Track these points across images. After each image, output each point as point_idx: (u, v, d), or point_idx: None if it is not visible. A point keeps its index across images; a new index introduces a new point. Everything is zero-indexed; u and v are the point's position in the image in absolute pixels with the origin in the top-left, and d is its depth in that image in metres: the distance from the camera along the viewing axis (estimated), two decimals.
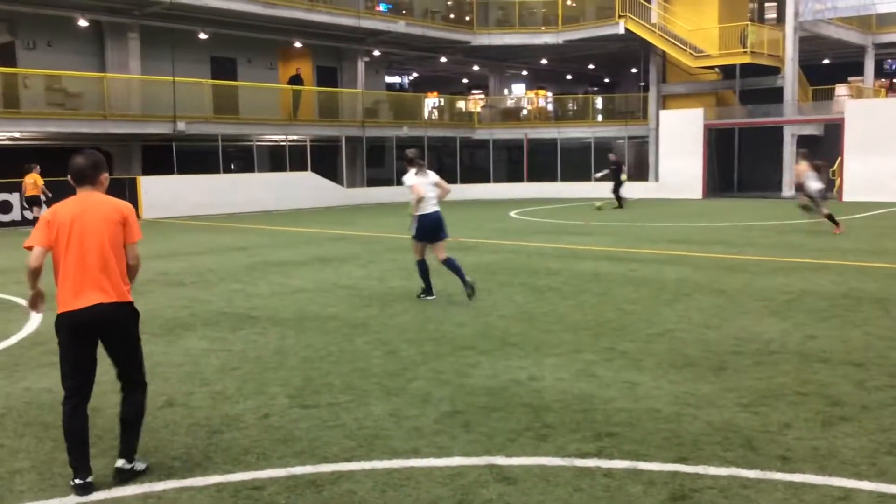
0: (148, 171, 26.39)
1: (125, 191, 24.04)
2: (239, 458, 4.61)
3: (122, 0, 24.78)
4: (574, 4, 34.84)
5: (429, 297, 9.69)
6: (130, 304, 4.37)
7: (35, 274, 4.25)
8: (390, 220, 22.25)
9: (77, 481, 4.12)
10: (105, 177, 4.47)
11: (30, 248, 4.23)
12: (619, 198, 25.64)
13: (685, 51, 31.03)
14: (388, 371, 6.44)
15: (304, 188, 28.76)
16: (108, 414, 5.42)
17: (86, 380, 4.28)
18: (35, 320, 8.70)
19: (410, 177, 9.40)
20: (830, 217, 16.28)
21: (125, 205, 4.43)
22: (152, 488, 4.22)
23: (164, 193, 24.81)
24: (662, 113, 32.92)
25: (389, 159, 33.95)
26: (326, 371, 6.47)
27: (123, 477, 4.30)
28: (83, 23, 25.03)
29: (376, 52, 34.18)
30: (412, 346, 7.31)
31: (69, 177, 4.40)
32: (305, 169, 29.68)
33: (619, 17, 31.62)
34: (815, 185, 16.72)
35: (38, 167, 20.41)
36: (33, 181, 20.18)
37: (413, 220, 9.49)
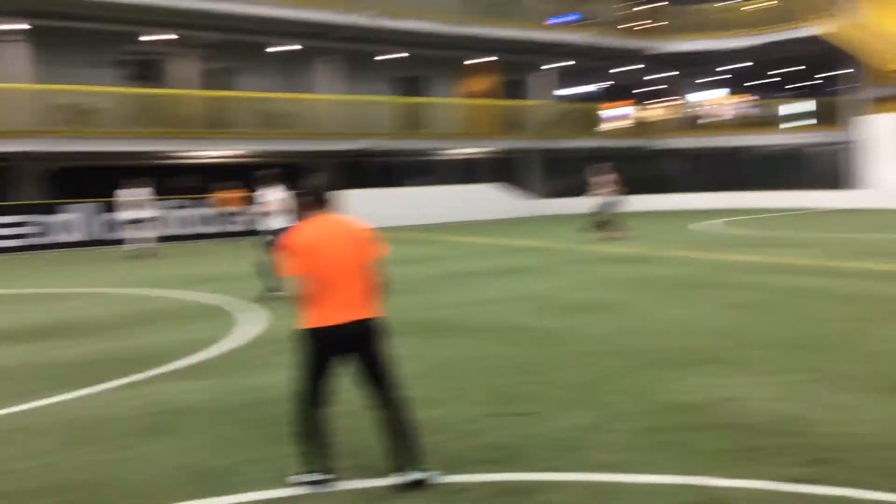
0: (343, 186, 27.87)
1: None
2: (443, 462, 4.79)
3: (320, 26, 26.36)
4: (767, 6, 33.19)
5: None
6: (379, 319, 4.56)
7: (303, 300, 4.44)
8: (573, 231, 22.14)
9: (317, 476, 4.40)
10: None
11: (288, 276, 4.47)
12: None
13: (890, 52, 28.71)
14: (584, 382, 6.45)
15: (487, 200, 29.24)
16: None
17: (328, 387, 4.52)
18: (249, 325, 9.43)
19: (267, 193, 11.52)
20: None
21: (363, 224, 4.64)
22: (368, 484, 4.46)
23: (357, 206, 25.99)
24: (868, 118, 30.59)
25: (572, 170, 33.77)
26: (521, 381, 6.56)
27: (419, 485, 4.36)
28: (286, 48, 26.84)
29: (561, 64, 34.19)
30: (608, 358, 7.26)
31: (305, 199, 4.56)
32: (489, 181, 30.17)
33: (816, 18, 29.78)
34: None
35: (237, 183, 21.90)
36: (232, 196, 21.85)
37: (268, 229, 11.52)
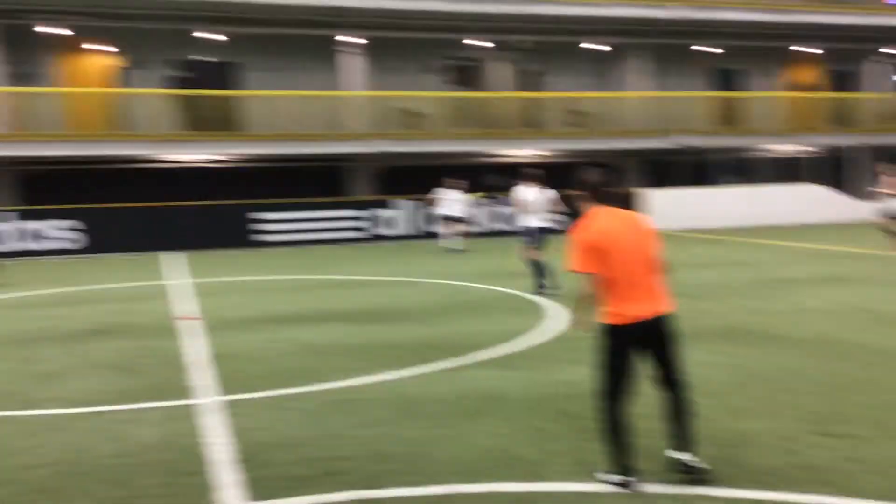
0: (649, 184, 27.45)
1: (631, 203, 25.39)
2: (758, 477, 4.61)
3: (631, 21, 26.13)
4: None
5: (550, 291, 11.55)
6: (672, 312, 4.56)
7: (590, 299, 4.49)
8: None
9: (624, 477, 4.45)
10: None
11: (576, 272, 4.47)
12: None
13: None
14: None
15: (811, 201, 27.02)
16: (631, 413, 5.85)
17: (630, 383, 4.54)
18: (561, 320, 9.71)
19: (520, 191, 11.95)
20: None
21: (647, 217, 4.67)
22: (669, 490, 4.43)
23: (665, 206, 25.51)
24: None
25: None
26: (844, 401, 6.08)
27: (688, 470, 4.47)
28: (597, 47, 27.04)
29: None
30: None
31: (592, 192, 4.55)
32: (814, 181, 27.89)
33: None
34: None
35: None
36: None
37: (525, 229, 12.04)
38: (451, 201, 19.77)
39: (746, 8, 26.39)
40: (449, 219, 19.88)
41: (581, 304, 4.60)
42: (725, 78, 29.55)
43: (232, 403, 6.34)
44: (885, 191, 17.83)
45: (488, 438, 5.39)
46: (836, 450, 5.02)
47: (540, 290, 11.79)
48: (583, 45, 27.20)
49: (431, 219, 21.85)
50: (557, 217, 12.14)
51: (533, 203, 11.97)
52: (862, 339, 8.24)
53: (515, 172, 12.46)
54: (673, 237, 22.56)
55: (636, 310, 4.38)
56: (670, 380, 4.56)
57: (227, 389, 6.78)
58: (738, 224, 25.72)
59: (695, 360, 7.43)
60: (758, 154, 28.99)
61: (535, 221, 11.94)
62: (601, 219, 4.45)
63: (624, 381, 4.47)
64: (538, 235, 11.89)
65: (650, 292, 4.45)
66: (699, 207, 25.81)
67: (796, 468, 4.73)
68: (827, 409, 5.87)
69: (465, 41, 26.07)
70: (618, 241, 4.39)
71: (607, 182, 4.57)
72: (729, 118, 27.83)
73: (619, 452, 4.46)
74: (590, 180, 4.56)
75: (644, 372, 4.60)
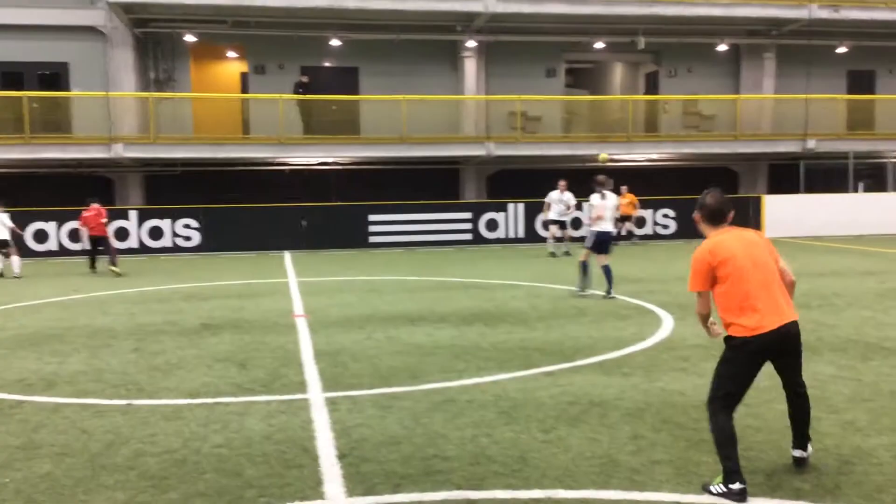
0: (773, 190, 26.35)
1: (749, 209, 24.43)
2: (873, 494, 4.39)
3: (762, 21, 25.18)
4: None
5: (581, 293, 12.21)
6: (795, 323, 4.63)
7: (705, 318, 4.84)
8: None
9: (738, 486, 4.34)
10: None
11: (694, 291, 4.77)
12: None
13: None
14: None
15: None
16: (738, 424, 5.65)
17: (744, 393, 4.63)
18: (667, 328, 9.49)
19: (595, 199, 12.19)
20: None
21: (761, 233, 4.84)
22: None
23: (787, 212, 24.45)
24: None
25: None
26: None
27: (802, 463, 4.81)
28: (722, 47, 26.22)
29: None
30: None
31: (709, 216, 4.85)
32: None
33: None
34: None
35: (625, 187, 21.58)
36: (629, 201, 21.69)
37: (590, 233, 12.33)
38: (558, 204, 19.59)
39: (878, 7, 24.96)
40: (555, 223, 19.72)
41: (701, 321, 4.89)
42: (858, 79, 28.04)
43: (337, 400, 6.51)
44: None
45: (588, 444, 5.33)
46: None
47: (580, 292, 12.35)
48: (707, 45, 26.36)
49: (542, 223, 21.76)
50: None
51: (600, 209, 12.18)
52: None
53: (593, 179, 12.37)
54: (800, 245, 21.62)
55: (760, 322, 4.48)
56: (795, 388, 4.76)
57: (334, 386, 6.97)
58: (869, 232, 24.39)
59: (817, 374, 7.15)
60: (889, 159, 27.35)
61: (603, 227, 12.21)
62: (723, 240, 4.69)
63: (741, 391, 4.60)
64: (604, 242, 12.20)
65: (773, 305, 4.54)
66: (829, 214, 24.59)
67: None
68: None
69: (586, 43, 25.74)
70: (735, 258, 4.59)
71: (722, 204, 4.83)
72: (861, 121, 26.37)
73: (733, 460, 4.40)
74: (705, 203, 4.84)
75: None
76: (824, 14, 24.34)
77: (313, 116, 23.38)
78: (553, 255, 19.19)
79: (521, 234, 23.05)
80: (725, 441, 4.44)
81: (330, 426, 5.81)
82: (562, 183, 19.57)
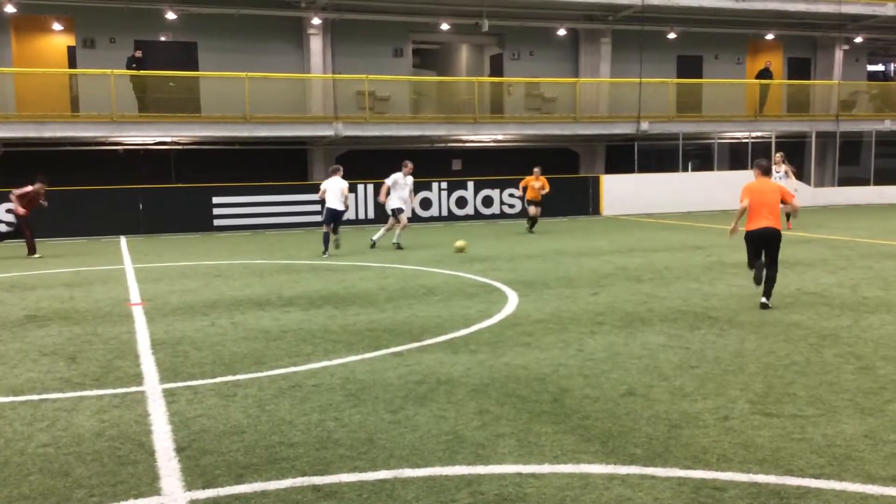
0: (610, 170, 27.58)
1: (588, 188, 25.49)
2: (699, 455, 4.67)
3: (599, 7, 26.16)
4: None
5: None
6: (777, 229, 9.10)
7: (740, 214, 9.33)
8: (866, 223, 20.15)
9: (752, 270, 9.48)
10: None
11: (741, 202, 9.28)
12: None
13: None
14: (861, 388, 5.93)
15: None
16: (576, 395, 5.88)
17: (757, 258, 9.20)
18: (512, 305, 9.73)
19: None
20: None
21: (779, 187, 9.47)
22: (616, 470, 4.48)
23: (624, 191, 25.71)
24: None
25: (866, 156, 30.65)
26: (791, 380, 6.17)
27: (765, 307, 9.14)
28: (562, 32, 27.07)
29: (858, 39, 31.04)
30: (891, 363, 6.60)
31: (759, 170, 9.47)
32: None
33: None
34: None
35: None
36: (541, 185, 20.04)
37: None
38: (403, 189, 18.76)
39: None
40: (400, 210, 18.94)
41: (736, 216, 9.41)
42: (688, 64, 29.72)
43: (177, 391, 6.24)
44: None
45: (435, 422, 5.37)
46: (777, 428, 5.09)
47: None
48: (548, 29, 27.13)
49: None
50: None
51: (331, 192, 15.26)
52: (806, 321, 8.38)
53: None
54: (635, 222, 22.75)
55: (751, 225, 9.22)
56: (769, 264, 9.18)
57: (173, 377, 6.68)
58: (697, 209, 26.02)
59: (647, 343, 7.53)
60: (720, 140, 29.26)
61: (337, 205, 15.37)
62: (754, 182, 9.34)
63: (754, 257, 9.27)
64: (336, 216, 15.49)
65: (760, 218, 9.11)
66: (661, 193, 26.02)
67: (736, 447, 4.79)
68: (771, 389, 5.95)
69: (431, 24, 25.86)
70: (754, 192, 9.20)
71: (764, 168, 9.53)
72: (690, 104, 28.01)
73: (754, 266, 9.25)
74: (761, 164, 9.53)
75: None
76: (657, 0, 25.60)
77: (148, 93, 22.23)
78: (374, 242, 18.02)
79: (370, 215, 22.99)
80: (755, 269, 9.24)
81: (168, 419, 5.55)
82: (408, 165, 17.25)
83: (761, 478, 4.32)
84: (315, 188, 23.17)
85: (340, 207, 15.44)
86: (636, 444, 4.88)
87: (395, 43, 26.30)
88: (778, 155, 20.68)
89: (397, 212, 16.71)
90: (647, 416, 5.39)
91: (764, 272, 9.04)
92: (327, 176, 15.99)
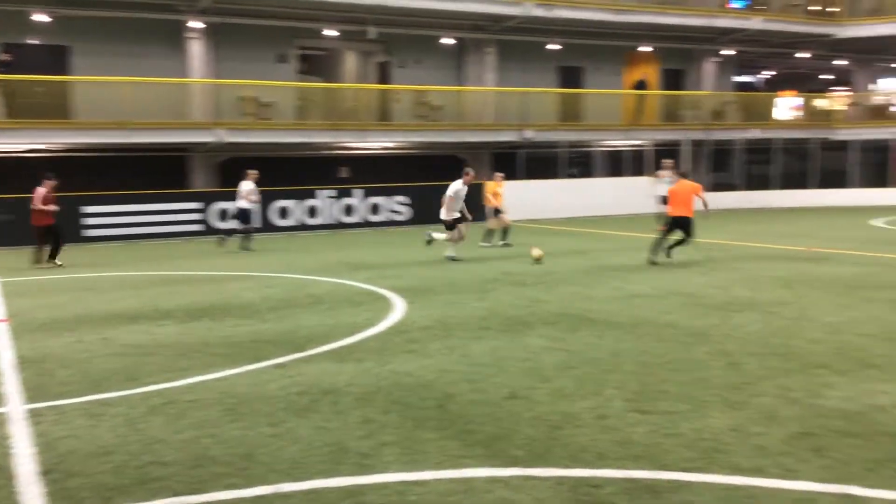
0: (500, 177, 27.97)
1: (476, 194, 25.72)
2: (577, 455, 4.76)
3: (484, 17, 26.51)
4: None
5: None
6: (689, 217, 13.37)
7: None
8: (736, 226, 21.20)
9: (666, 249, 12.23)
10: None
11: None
12: None
13: None
14: (729, 384, 6.20)
15: (642, 193, 28.44)
16: (460, 400, 5.91)
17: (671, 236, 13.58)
18: (399, 312, 9.71)
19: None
20: None
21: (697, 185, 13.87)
22: (498, 473, 4.52)
23: (509, 197, 26.06)
24: None
25: (737, 163, 32.33)
26: (664, 378, 6.40)
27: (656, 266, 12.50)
28: (447, 41, 27.32)
29: (728, 52, 32.73)
30: (757, 359, 6.95)
31: (681, 175, 14.19)
32: (645, 174, 29.36)
33: None
34: None
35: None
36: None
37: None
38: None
39: (587, 7, 27.29)
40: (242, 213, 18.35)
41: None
42: (569, 74, 30.54)
43: (42, 411, 5.89)
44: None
45: (318, 434, 5.27)
46: (651, 425, 5.26)
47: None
48: (434, 38, 27.33)
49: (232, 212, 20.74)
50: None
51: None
52: (679, 321, 8.72)
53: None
54: (521, 229, 23.13)
55: (671, 212, 13.46)
56: (680, 241, 13.62)
57: (38, 396, 6.30)
58: (579, 214, 26.75)
59: (530, 346, 7.65)
60: (600, 148, 30.20)
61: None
62: (678, 182, 13.97)
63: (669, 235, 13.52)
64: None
65: (676, 208, 13.37)
66: (545, 199, 26.60)
67: (612, 444, 4.92)
68: (646, 387, 6.15)
69: (317, 30, 25.60)
70: (675, 190, 13.70)
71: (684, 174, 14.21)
72: (572, 114, 28.80)
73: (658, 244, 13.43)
74: (683, 173, 14.36)
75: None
76: (539, 12, 26.21)
77: (17, 98, 21.04)
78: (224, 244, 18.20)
79: (255, 223, 22.45)
80: (659, 242, 13.50)
81: (32, 441, 5.23)
82: (469, 173, 15.63)
83: (636, 473, 4.45)
84: (196, 196, 22.59)
85: (242, 205, 17.83)
86: (518, 446, 4.93)
87: (280, 48, 25.89)
88: (668, 162, 21.56)
89: (454, 223, 15.03)
90: (528, 418, 5.47)
91: (671, 246, 13.63)
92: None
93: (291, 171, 24.20)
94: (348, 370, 6.90)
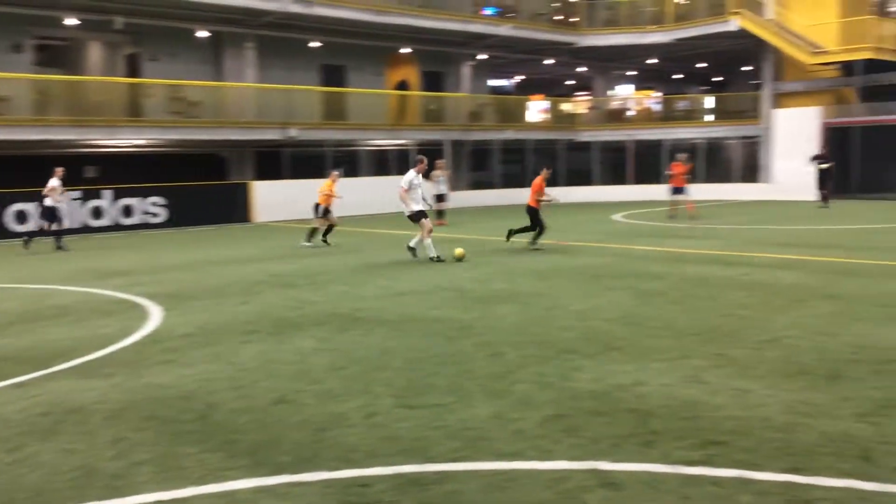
0: (260, 176, 27.33)
1: (236, 195, 25.00)
2: (346, 455, 4.73)
3: (239, 11, 25.69)
4: (684, 2, 33.92)
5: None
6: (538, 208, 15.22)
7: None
8: (495, 223, 22.27)
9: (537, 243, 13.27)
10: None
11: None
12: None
13: (802, 47, 29.72)
14: (491, 373, 6.47)
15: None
16: (224, 409, 5.66)
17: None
18: (155, 320, 9.16)
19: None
20: None
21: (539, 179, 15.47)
22: (264, 482, 4.37)
23: (275, 197, 25.63)
24: (777, 112, 31.71)
25: (493, 162, 34.03)
26: (430, 372, 6.54)
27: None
28: (202, 34, 26.19)
29: (482, 56, 34.30)
30: (516, 348, 7.31)
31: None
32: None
33: (732, 13, 30.61)
34: None
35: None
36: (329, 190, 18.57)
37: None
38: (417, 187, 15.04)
39: (347, 6, 27.36)
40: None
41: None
42: (332, 73, 30.47)
43: None
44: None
45: (63, 457, 4.82)
46: (418, 419, 5.35)
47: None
48: (188, 31, 26.09)
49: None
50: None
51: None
52: (445, 315, 8.99)
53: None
54: (287, 229, 22.76)
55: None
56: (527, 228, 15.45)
57: None
58: (348, 213, 26.77)
59: (300, 348, 7.51)
60: (365, 147, 30.43)
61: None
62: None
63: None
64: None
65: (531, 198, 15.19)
66: (313, 199, 26.26)
67: (381, 441, 4.94)
68: (414, 382, 6.25)
69: (56, 18, 23.48)
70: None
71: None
72: (337, 112, 28.76)
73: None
74: (540, 172, 15.79)
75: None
76: (297, 8, 25.88)
77: None
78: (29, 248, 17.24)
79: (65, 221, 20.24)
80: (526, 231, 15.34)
81: None
82: (423, 161, 14.75)
83: (404, 468, 4.49)
84: None
85: (48, 203, 17.56)
86: (285, 452, 4.81)
87: (13, 37, 23.52)
88: (441, 162, 22.34)
89: (419, 216, 14.09)
90: (295, 422, 5.35)
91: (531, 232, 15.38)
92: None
93: (31, 172, 22.08)
94: (97, 386, 6.38)
